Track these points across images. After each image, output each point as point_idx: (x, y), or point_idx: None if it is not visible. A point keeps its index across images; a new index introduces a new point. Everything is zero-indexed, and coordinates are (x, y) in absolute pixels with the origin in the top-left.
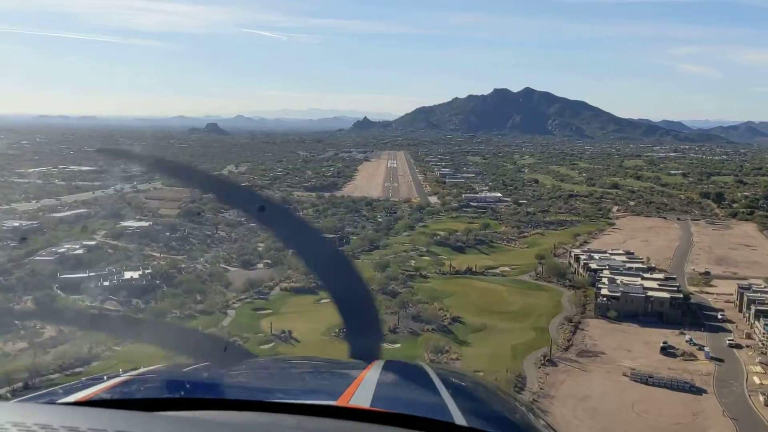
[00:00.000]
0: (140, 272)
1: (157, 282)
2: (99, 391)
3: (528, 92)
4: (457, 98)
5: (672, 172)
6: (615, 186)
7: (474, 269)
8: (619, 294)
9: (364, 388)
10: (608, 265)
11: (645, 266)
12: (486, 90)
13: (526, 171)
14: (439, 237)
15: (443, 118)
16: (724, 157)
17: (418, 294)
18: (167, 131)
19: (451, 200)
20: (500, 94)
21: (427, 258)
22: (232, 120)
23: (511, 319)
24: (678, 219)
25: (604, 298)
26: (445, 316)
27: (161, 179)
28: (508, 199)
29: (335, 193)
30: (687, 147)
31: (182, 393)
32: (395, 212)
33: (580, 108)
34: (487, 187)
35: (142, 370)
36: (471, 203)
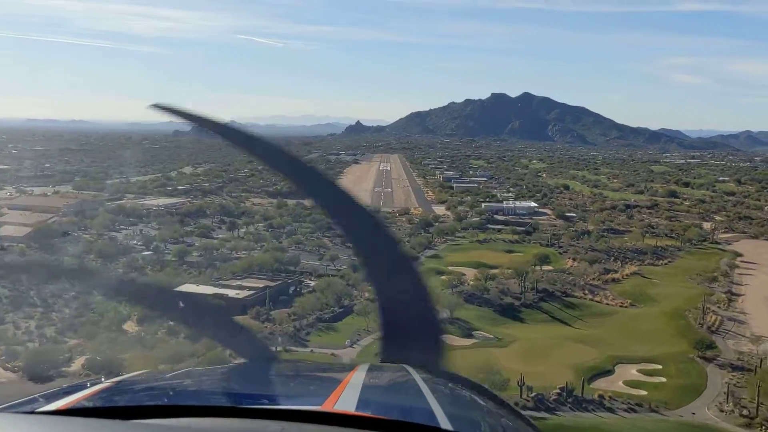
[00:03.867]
0: None
1: None
2: (80, 399)
3: (527, 97)
4: (453, 102)
5: (721, 178)
6: (673, 194)
7: (574, 389)
8: None
9: (349, 393)
10: None
11: None
12: (483, 94)
13: (543, 175)
14: (467, 284)
15: (439, 122)
16: (748, 164)
17: None
18: (151, 134)
19: (467, 212)
20: (498, 99)
21: (457, 342)
22: None
23: None
24: None
25: None
26: None
27: (63, 180)
28: (547, 211)
29: (306, 200)
30: (698, 154)
31: (164, 400)
32: None
33: (580, 114)
34: (511, 194)
35: (124, 376)
36: (495, 216)
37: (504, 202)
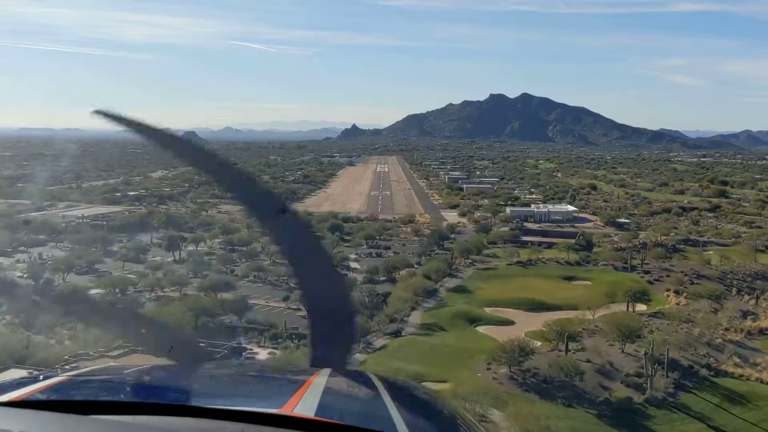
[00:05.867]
0: None
1: None
2: (34, 392)
3: (526, 98)
4: (451, 104)
5: (756, 176)
6: (723, 194)
7: None
8: None
9: (309, 397)
10: None
11: None
12: (481, 96)
13: (558, 175)
14: (533, 354)
15: (437, 124)
16: (765, 161)
17: None
18: (141, 142)
19: (489, 218)
20: (496, 100)
21: None
22: (219, 132)
23: None
24: None
25: None
26: None
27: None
28: (589, 216)
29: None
30: (704, 153)
31: (121, 396)
32: (389, 246)
33: (581, 114)
34: (535, 196)
35: (81, 370)
36: (526, 224)
37: (533, 206)
